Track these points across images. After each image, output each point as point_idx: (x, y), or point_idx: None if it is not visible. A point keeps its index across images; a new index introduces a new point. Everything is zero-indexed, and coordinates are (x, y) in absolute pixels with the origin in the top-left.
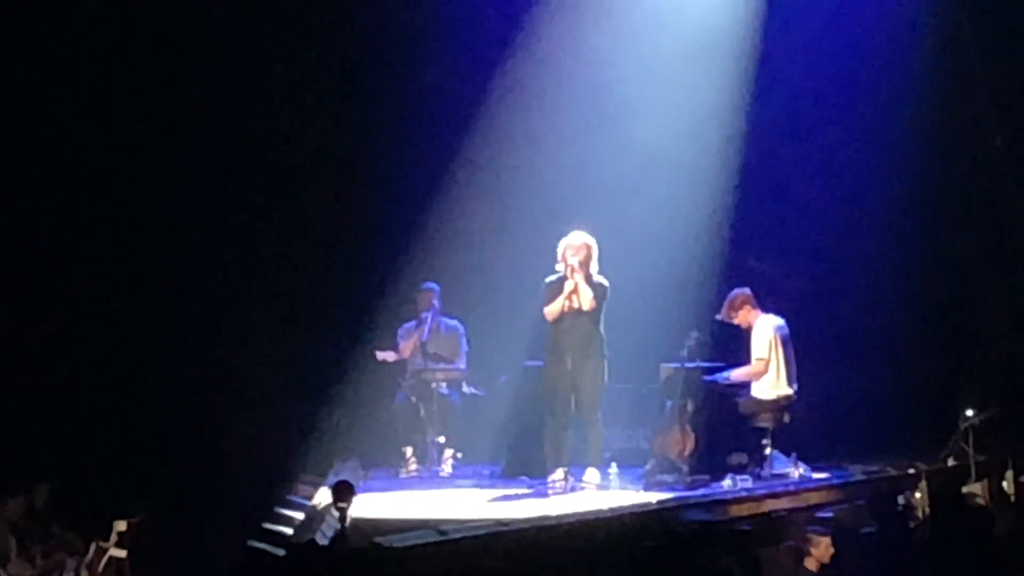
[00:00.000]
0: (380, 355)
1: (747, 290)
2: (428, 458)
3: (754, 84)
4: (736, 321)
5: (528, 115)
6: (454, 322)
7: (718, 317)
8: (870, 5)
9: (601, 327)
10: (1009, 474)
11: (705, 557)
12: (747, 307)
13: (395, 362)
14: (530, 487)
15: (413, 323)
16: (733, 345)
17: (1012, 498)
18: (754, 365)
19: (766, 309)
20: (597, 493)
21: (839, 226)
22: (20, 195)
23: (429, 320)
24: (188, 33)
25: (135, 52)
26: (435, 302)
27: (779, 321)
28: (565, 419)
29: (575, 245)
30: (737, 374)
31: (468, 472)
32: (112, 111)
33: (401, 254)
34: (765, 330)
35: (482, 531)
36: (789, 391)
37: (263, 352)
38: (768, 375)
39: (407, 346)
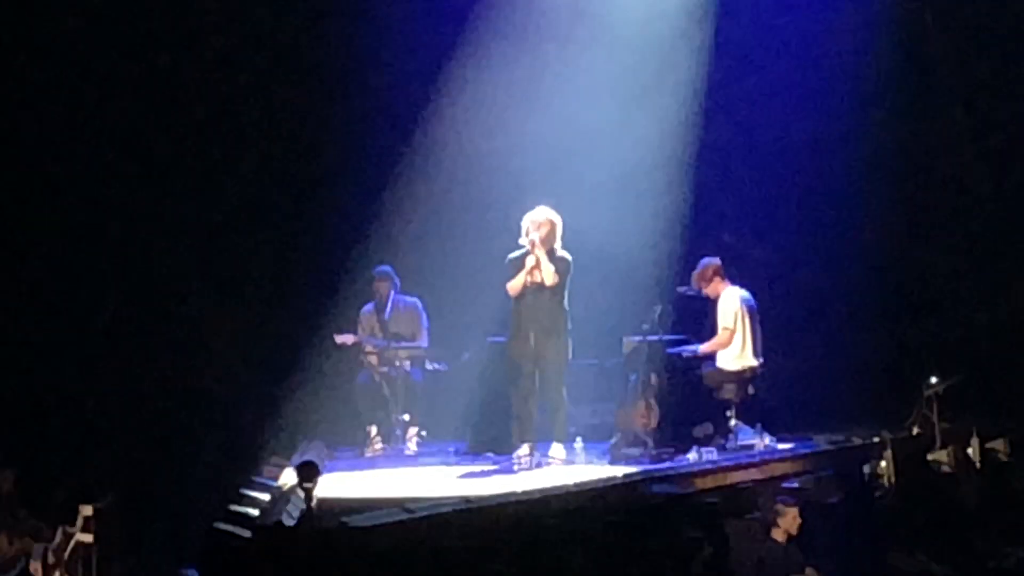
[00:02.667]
0: (339, 338)
1: (717, 260)
2: (393, 437)
3: (717, 55)
4: (705, 292)
5: (489, 90)
6: (413, 299)
7: (681, 290)
8: None
9: (565, 302)
10: (974, 441)
11: (672, 530)
12: (717, 278)
13: (354, 344)
14: (496, 463)
15: (371, 305)
16: (696, 318)
17: (977, 465)
18: (720, 335)
19: (733, 282)
20: (563, 468)
21: (802, 198)
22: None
23: (390, 299)
24: (147, 30)
25: (103, 53)
26: (394, 281)
27: (745, 294)
28: (530, 395)
29: (538, 220)
30: (704, 347)
31: (433, 450)
32: (81, 116)
33: (361, 235)
34: (732, 301)
35: (448, 508)
36: (754, 363)
37: (227, 336)
38: (733, 346)
39: (366, 327)
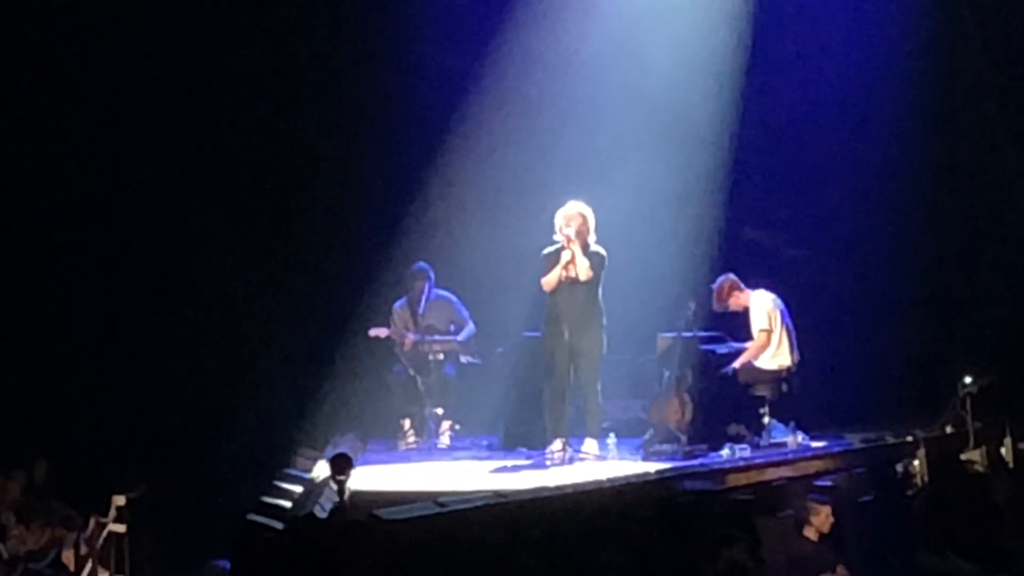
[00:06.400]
0: (373, 331)
1: (730, 275)
2: (426, 430)
3: (751, 51)
4: (731, 308)
5: (522, 84)
6: (446, 292)
7: (713, 286)
8: None
9: (599, 297)
10: (1007, 441)
11: (704, 527)
12: (736, 291)
13: (387, 337)
14: (528, 458)
15: (403, 300)
16: (730, 315)
17: (1010, 465)
18: (757, 338)
19: (755, 284)
20: (596, 463)
21: (835, 195)
22: (27, 181)
23: (425, 293)
24: (182, 31)
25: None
26: (430, 275)
27: (772, 295)
28: (563, 390)
29: (571, 215)
30: (745, 356)
31: (466, 443)
32: (110, 110)
33: (395, 228)
34: (763, 304)
35: (480, 502)
36: (789, 362)
37: (262, 328)
38: (769, 346)
39: (399, 323)
